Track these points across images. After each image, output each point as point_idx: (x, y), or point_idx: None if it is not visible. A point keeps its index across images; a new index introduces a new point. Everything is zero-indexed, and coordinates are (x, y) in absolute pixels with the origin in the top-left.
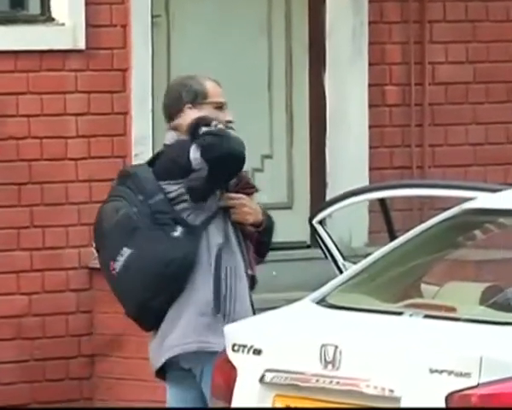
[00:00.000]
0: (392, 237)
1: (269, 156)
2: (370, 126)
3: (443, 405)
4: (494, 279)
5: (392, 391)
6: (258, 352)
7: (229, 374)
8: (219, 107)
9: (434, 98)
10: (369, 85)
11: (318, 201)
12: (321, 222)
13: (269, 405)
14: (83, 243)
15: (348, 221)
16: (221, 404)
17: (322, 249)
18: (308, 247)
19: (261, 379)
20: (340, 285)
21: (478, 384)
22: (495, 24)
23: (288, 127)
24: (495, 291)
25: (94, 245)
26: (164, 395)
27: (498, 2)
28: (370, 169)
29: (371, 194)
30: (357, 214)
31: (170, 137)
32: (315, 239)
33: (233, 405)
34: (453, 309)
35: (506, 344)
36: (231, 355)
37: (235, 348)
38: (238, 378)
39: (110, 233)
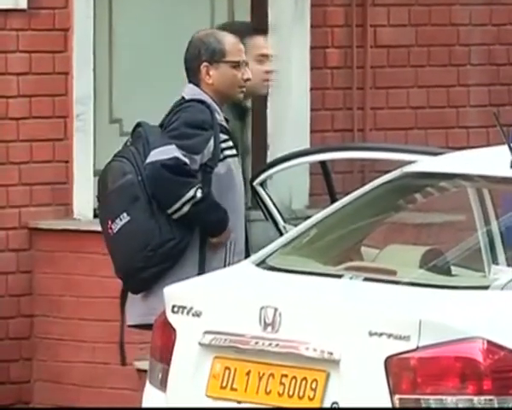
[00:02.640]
0: (333, 200)
1: None
2: (312, 89)
3: (382, 368)
4: (434, 243)
5: (331, 354)
6: (197, 314)
7: (168, 335)
8: (236, 65)
9: (376, 61)
10: (311, 48)
11: (259, 163)
12: (262, 184)
13: (208, 367)
14: (23, 202)
15: (289, 183)
16: (160, 366)
17: (263, 211)
18: (249, 209)
19: (200, 341)
20: (280, 247)
21: (417, 347)
22: None
23: None
24: (435, 255)
25: (97, 194)
26: (103, 356)
27: None
28: (312, 131)
29: (312, 156)
30: (297, 177)
31: (189, 91)
32: (255, 201)
33: (172, 367)
34: (393, 272)
35: (445, 307)
36: (170, 317)
37: (175, 309)
38: (177, 340)
39: (112, 194)
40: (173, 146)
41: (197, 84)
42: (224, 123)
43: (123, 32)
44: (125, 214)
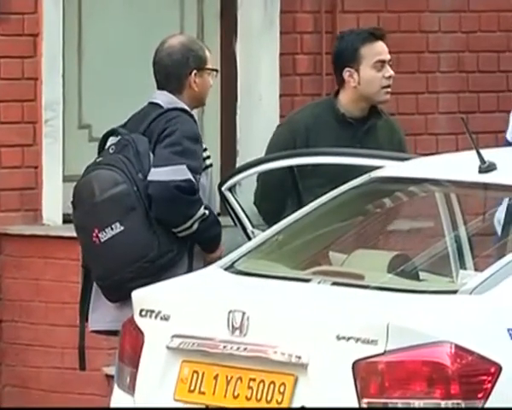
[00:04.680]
0: (300, 205)
1: None
2: (281, 95)
3: (350, 372)
4: (402, 248)
5: (299, 358)
6: (165, 317)
7: (136, 339)
8: (211, 72)
9: None
10: (281, 54)
11: (229, 168)
12: (230, 189)
13: (176, 371)
14: None
15: None
16: (128, 369)
17: (232, 217)
18: (218, 214)
19: (168, 345)
20: (248, 252)
21: (384, 352)
22: None
23: None
24: (403, 259)
25: (72, 200)
26: (72, 361)
27: None
28: None
29: (280, 162)
30: None
31: (165, 99)
32: (224, 206)
33: (140, 371)
34: (361, 277)
35: (413, 312)
36: (138, 320)
37: (143, 313)
38: (145, 344)
39: (103, 203)
40: (184, 166)
41: (176, 92)
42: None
43: (92, 38)
44: (117, 224)
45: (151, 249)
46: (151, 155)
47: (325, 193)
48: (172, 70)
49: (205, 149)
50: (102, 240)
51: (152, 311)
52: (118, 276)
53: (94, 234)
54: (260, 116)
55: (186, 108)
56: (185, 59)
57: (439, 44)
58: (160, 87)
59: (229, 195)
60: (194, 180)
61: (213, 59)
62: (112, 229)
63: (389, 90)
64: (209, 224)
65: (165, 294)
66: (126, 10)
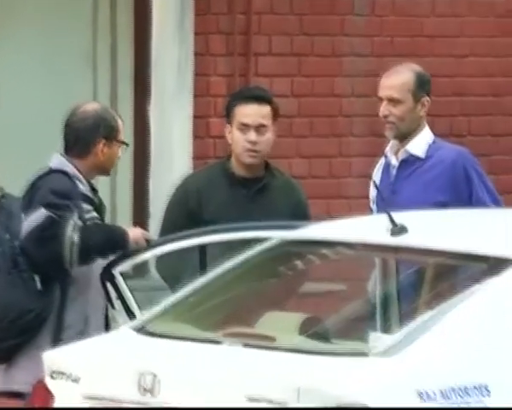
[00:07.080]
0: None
1: None
2: (194, 157)
3: None
4: (314, 310)
5: None
6: (75, 379)
7: (46, 401)
8: (120, 144)
9: None
10: (194, 117)
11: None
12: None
13: None
14: None
15: None
16: None
17: (120, 297)
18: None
19: (79, 407)
20: (160, 314)
21: None
22: (320, 58)
23: None
24: (314, 322)
25: None
26: None
27: (324, 36)
28: None
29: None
30: None
31: (57, 162)
32: (136, 269)
33: None
34: (272, 339)
35: (324, 374)
36: (49, 382)
37: (54, 375)
38: (55, 406)
39: None
40: (41, 209)
41: (80, 156)
42: (90, 193)
43: (3, 101)
44: None
45: (10, 310)
46: (22, 215)
47: None
48: (82, 134)
49: (88, 211)
50: None
51: (62, 373)
52: None
53: None
54: (173, 178)
55: (68, 170)
56: (96, 126)
57: (351, 108)
58: (66, 149)
59: (120, 278)
60: (50, 214)
61: (124, 131)
62: None
63: (254, 154)
64: (90, 231)
65: (76, 356)
66: (38, 73)
